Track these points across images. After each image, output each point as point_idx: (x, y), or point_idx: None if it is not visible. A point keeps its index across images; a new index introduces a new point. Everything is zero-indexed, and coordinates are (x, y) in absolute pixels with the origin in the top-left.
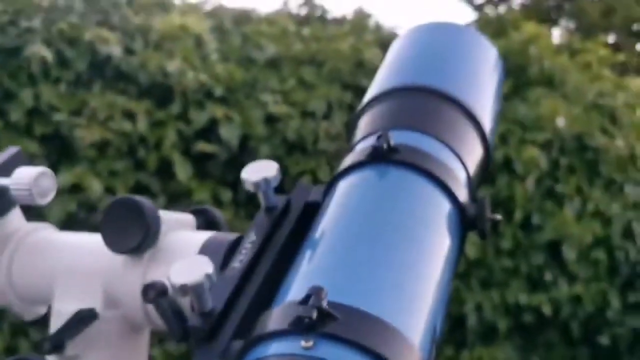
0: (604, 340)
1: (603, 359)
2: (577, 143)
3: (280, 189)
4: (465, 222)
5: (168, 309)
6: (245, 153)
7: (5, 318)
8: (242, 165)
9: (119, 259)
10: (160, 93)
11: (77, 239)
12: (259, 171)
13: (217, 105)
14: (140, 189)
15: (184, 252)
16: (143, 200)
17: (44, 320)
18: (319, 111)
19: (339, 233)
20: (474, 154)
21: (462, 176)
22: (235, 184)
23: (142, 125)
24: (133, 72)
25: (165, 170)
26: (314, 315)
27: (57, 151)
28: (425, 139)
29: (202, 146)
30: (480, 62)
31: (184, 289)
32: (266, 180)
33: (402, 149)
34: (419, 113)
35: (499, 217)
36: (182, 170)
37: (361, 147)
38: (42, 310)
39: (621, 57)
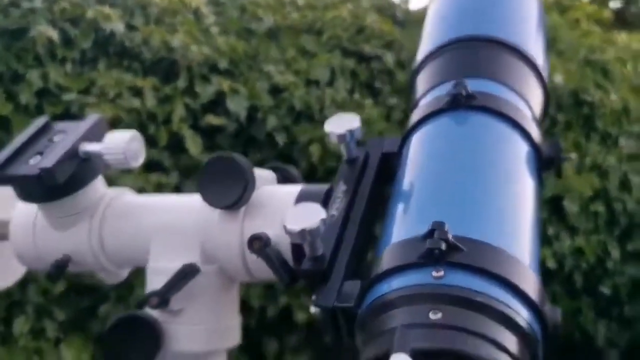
0: (605, 289)
1: (605, 308)
2: (573, 99)
3: (289, 158)
4: (540, 162)
5: (275, 258)
6: (253, 124)
7: (29, 300)
8: (250, 136)
9: (215, 215)
10: (164, 68)
11: (167, 200)
12: (343, 124)
13: (222, 78)
14: (152, 164)
15: (279, 205)
16: (239, 156)
17: (123, 284)
18: (322, 79)
19: (436, 174)
20: (537, 97)
21: (531, 119)
22: (245, 155)
23: (150, 101)
24: (137, 49)
25: (175, 145)
26: (443, 246)
27: None
28: (494, 85)
29: (211, 119)
30: (529, 9)
31: (302, 234)
32: (351, 132)
33: (478, 95)
34: (484, 61)
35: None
36: (194, 145)
37: (430, 99)
38: (124, 274)
39: (607, 12)
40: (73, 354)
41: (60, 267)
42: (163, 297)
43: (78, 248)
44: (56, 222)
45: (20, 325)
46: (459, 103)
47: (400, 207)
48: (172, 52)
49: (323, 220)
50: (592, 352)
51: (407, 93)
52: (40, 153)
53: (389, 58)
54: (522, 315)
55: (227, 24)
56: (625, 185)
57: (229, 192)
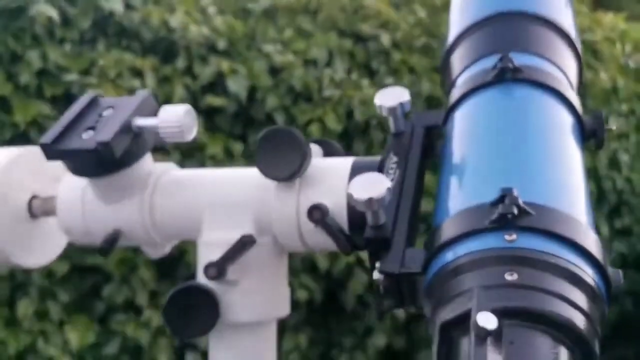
0: None
1: None
2: None
3: None
4: (583, 133)
5: (334, 227)
6: (252, 105)
7: (32, 282)
8: (249, 117)
9: (271, 187)
10: (163, 49)
11: (217, 173)
12: (393, 97)
13: (220, 58)
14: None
15: (334, 176)
16: (294, 129)
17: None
18: (321, 59)
19: (492, 144)
20: (574, 70)
21: (572, 91)
22: (244, 136)
23: (150, 81)
24: (135, 28)
25: None
26: (515, 211)
27: None
28: (535, 58)
29: (211, 100)
30: None
31: (369, 203)
32: (402, 105)
33: (524, 68)
34: (522, 35)
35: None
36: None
37: (471, 74)
38: (168, 248)
39: None
40: (78, 335)
41: (111, 242)
42: (221, 268)
43: (129, 222)
44: (106, 197)
45: (24, 307)
46: (505, 76)
47: (455, 179)
48: (172, 32)
49: (389, 189)
50: None
51: (441, 72)
52: (92, 128)
53: (385, 39)
54: (591, 275)
55: (223, 4)
56: (614, 163)
57: (286, 164)
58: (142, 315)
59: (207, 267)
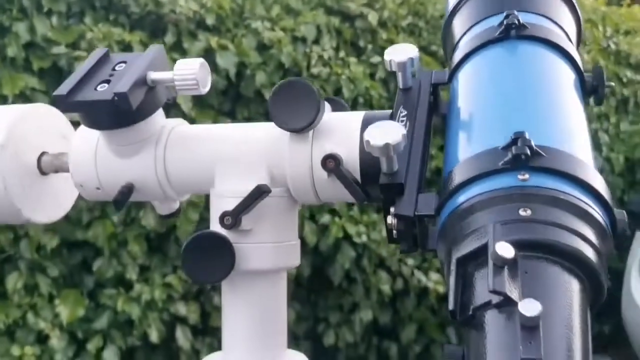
0: None
1: None
2: None
3: None
4: (584, 89)
5: (349, 176)
6: (241, 81)
7: (21, 256)
8: (238, 94)
9: (284, 138)
10: (151, 23)
11: (229, 127)
12: (403, 53)
13: (209, 34)
14: None
15: (346, 128)
16: (308, 81)
17: (174, 215)
18: (309, 36)
19: (500, 95)
20: (573, 29)
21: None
22: (233, 112)
23: None
24: (123, 2)
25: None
26: (528, 152)
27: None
28: (536, 17)
29: None
30: None
31: (386, 149)
32: (411, 60)
33: (528, 25)
34: None
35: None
36: (184, 101)
37: (474, 35)
38: (177, 205)
39: None
40: (68, 309)
41: (125, 194)
42: (236, 217)
43: (142, 176)
44: (120, 151)
45: (14, 281)
46: (510, 34)
47: (463, 130)
48: (160, 7)
49: (404, 136)
50: None
51: (442, 37)
52: (107, 81)
53: (372, 17)
54: (599, 213)
55: None
56: (594, 143)
57: (301, 115)
58: (132, 289)
59: (223, 216)
